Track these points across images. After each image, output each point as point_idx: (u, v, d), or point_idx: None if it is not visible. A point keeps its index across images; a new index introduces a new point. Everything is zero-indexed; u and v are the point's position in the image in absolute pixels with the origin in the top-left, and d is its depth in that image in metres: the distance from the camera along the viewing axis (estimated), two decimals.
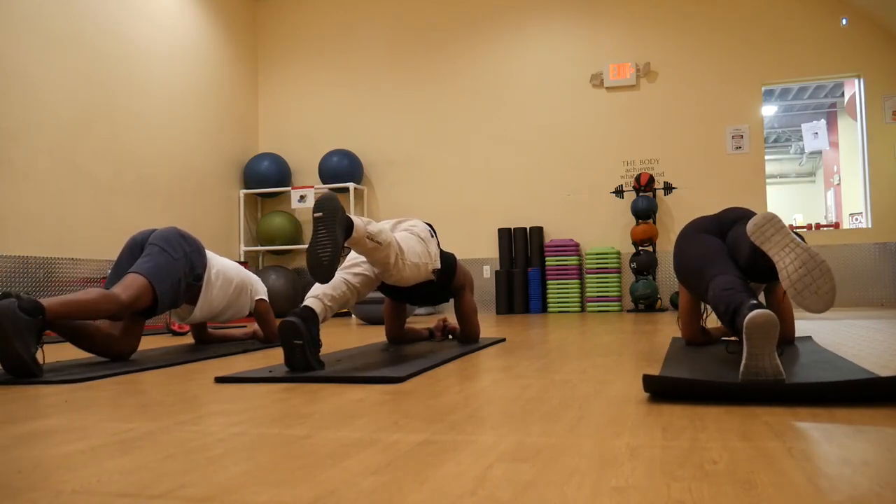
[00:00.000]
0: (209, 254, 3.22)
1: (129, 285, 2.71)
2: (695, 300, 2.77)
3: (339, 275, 2.61)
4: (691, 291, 2.34)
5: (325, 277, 2.21)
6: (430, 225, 3.01)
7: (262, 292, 3.56)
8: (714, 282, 2.03)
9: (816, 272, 1.72)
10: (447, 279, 3.09)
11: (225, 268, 3.29)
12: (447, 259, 3.09)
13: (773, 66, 7.27)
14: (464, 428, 1.37)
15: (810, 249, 1.75)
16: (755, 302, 1.67)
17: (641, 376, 1.65)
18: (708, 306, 2.87)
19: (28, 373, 2.27)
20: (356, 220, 2.34)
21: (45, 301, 2.39)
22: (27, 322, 2.26)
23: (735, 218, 2.38)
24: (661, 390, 1.67)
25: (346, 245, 2.33)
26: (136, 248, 2.97)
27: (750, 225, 1.79)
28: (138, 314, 2.85)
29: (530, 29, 7.93)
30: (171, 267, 2.86)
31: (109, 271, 2.98)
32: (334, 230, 2.22)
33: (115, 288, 2.69)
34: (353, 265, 2.68)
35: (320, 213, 2.24)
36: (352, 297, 2.58)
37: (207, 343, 3.62)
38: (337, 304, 2.50)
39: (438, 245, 3.00)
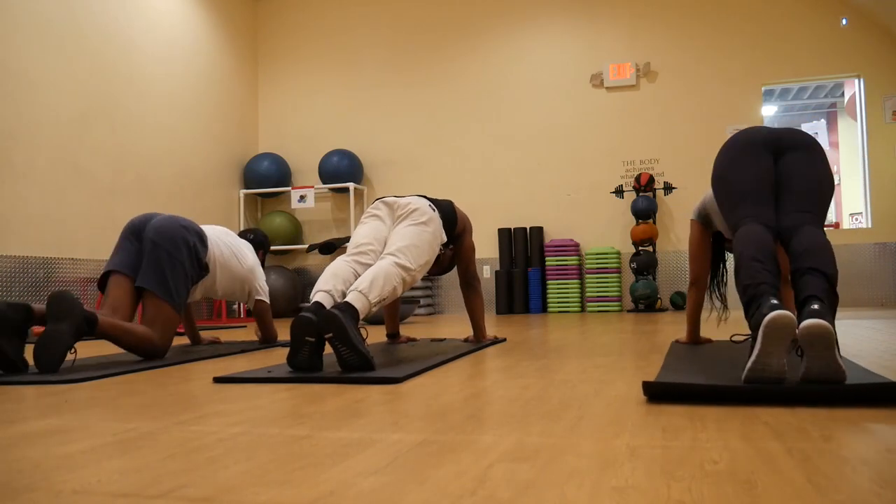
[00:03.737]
0: (216, 240, 3.18)
1: (160, 325, 2.82)
2: (700, 301, 2.80)
3: (347, 261, 2.52)
4: (721, 211, 2.18)
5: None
6: (426, 197, 2.87)
7: (263, 293, 3.53)
8: (746, 230, 1.93)
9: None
10: (450, 228, 2.99)
11: (227, 258, 3.24)
12: (445, 209, 2.96)
13: (773, 66, 7.27)
14: (464, 428, 1.37)
15: (840, 372, 1.59)
16: (775, 302, 1.67)
17: (641, 383, 1.65)
18: (709, 305, 2.89)
19: (13, 370, 2.40)
20: (358, 301, 2.25)
21: (99, 316, 2.57)
22: (14, 321, 2.41)
23: (793, 144, 2.10)
24: (661, 394, 1.67)
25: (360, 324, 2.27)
26: (135, 235, 2.95)
27: (802, 329, 1.63)
28: None
29: (530, 29, 7.93)
30: (180, 270, 2.90)
31: (110, 257, 2.99)
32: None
33: (149, 331, 2.78)
34: (359, 252, 2.58)
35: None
36: None
37: (200, 345, 3.62)
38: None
39: (436, 207, 2.86)
